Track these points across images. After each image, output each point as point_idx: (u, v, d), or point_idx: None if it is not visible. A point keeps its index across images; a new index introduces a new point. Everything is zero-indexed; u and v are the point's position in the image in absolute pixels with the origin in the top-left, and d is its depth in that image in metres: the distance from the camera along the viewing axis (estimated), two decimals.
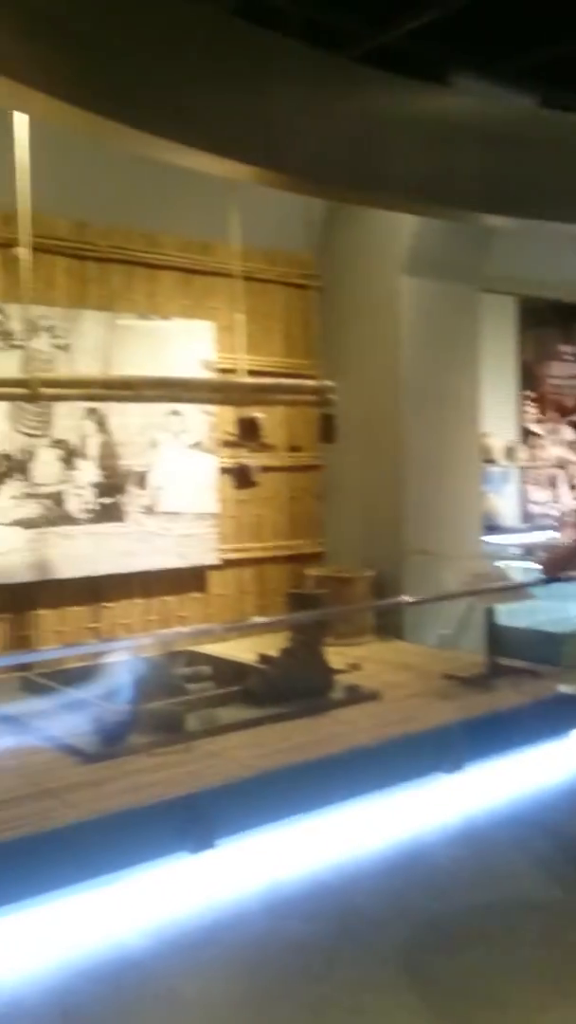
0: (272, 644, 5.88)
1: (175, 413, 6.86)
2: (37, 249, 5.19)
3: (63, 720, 4.93)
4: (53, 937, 3.50)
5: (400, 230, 7.14)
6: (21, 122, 4.58)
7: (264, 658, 5.72)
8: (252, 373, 6.25)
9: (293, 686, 5.30)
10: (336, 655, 5.97)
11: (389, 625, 7.19)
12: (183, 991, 3.23)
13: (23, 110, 4.46)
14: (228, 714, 5.03)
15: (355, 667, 6.05)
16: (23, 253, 4.80)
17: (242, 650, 6.30)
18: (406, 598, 6.59)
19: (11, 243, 5.10)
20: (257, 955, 3.44)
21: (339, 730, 4.92)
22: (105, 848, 3.80)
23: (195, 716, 4.92)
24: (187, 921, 3.64)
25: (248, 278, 6.43)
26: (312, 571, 7.45)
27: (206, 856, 4.01)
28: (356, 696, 5.40)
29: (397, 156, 5.33)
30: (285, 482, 7.68)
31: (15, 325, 6.00)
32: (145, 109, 4.27)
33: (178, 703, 5.06)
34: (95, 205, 6.43)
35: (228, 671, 5.77)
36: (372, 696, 5.44)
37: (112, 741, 4.59)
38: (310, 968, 3.34)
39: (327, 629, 6.27)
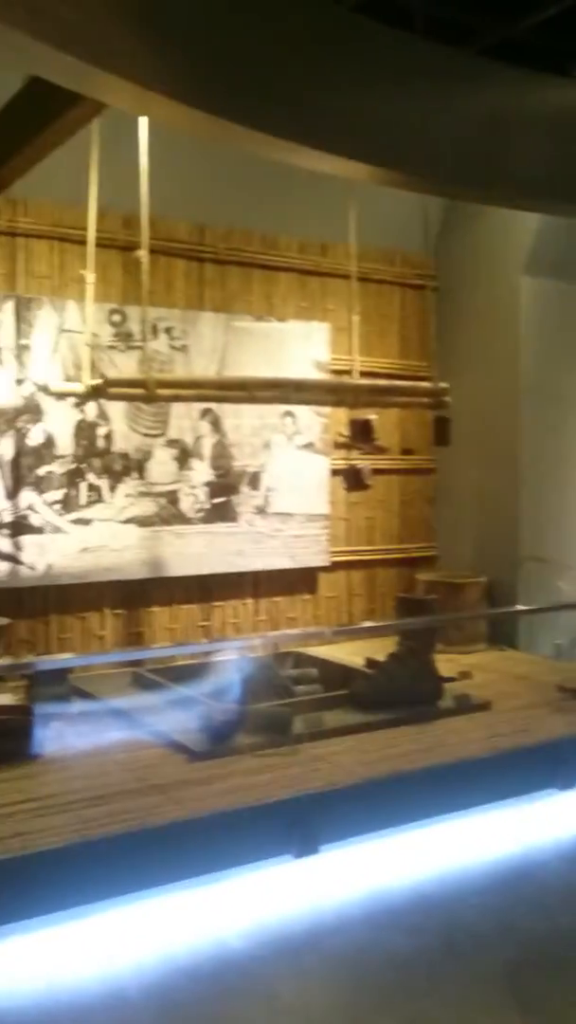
0: (381, 648, 5.82)
1: (288, 414, 6.88)
2: (157, 251, 5.28)
3: (172, 717, 5.00)
4: (156, 932, 3.54)
5: (520, 229, 6.97)
6: (142, 126, 4.66)
7: (372, 662, 5.66)
8: (367, 374, 6.19)
9: (401, 692, 5.23)
10: (446, 662, 5.87)
11: (502, 633, 7.03)
12: (282, 995, 3.21)
13: (145, 114, 4.53)
14: (334, 718, 5.00)
15: (466, 675, 5.93)
16: (143, 256, 4.88)
17: (350, 653, 6.26)
18: (520, 606, 6.42)
19: (132, 246, 5.21)
20: (357, 965, 3.40)
21: (448, 739, 4.83)
22: (209, 847, 3.82)
23: (301, 719, 4.90)
24: (288, 925, 3.63)
25: (365, 279, 6.40)
26: (423, 576, 7.35)
27: (310, 861, 3.98)
28: (466, 705, 5.28)
29: (522, 152, 5.19)
30: (397, 485, 7.60)
31: (135, 326, 6.11)
32: (265, 110, 4.26)
33: (285, 705, 5.06)
34: (214, 208, 6.51)
35: (335, 674, 5.74)
36: (483, 706, 5.32)
37: (219, 740, 4.62)
38: (411, 982, 3.28)
39: (437, 635, 6.17)
